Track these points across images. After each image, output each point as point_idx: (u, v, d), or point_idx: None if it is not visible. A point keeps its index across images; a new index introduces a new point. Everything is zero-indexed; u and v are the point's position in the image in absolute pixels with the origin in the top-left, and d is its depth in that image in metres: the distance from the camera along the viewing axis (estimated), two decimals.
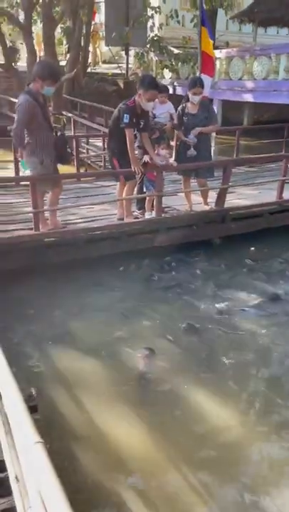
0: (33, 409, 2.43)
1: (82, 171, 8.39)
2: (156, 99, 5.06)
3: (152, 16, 12.76)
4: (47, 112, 4.35)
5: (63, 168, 5.28)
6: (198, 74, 8.08)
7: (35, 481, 1.30)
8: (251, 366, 3.59)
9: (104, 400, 3.22)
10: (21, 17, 14.28)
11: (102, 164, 8.46)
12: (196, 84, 5.19)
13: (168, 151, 5.24)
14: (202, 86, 5.27)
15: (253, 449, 2.86)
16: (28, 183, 4.50)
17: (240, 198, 6.35)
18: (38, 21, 14.85)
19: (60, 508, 1.15)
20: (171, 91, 14.27)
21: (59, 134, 4.54)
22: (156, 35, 13.10)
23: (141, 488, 2.56)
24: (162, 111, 5.31)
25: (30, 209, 4.58)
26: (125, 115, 4.56)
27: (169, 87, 14.85)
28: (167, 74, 15.05)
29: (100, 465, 2.71)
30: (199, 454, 2.81)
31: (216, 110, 14.28)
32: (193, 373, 3.52)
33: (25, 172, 4.70)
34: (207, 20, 7.66)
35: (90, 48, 18.48)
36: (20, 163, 4.84)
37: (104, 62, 20.40)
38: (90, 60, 18.32)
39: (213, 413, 3.13)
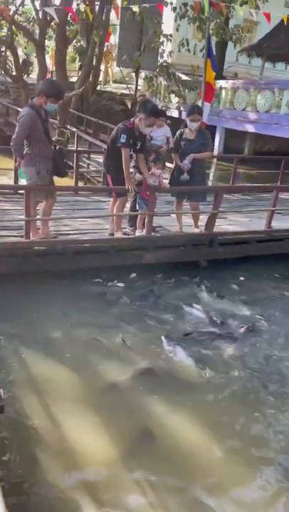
0: None
1: (81, 184, 8.58)
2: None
3: (163, 43, 13.18)
4: (47, 126, 4.53)
5: (61, 181, 5.44)
6: (199, 101, 8.36)
7: None
8: (222, 385, 3.66)
9: (74, 407, 3.28)
10: (37, 32, 14.70)
11: (101, 180, 8.62)
12: (194, 111, 5.39)
13: (162, 171, 5.40)
14: (200, 113, 5.48)
15: (213, 463, 2.93)
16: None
17: (230, 224, 6.50)
18: (54, 37, 15.28)
19: None
20: (177, 115, 14.82)
21: (58, 147, 4.71)
22: (165, 61, 13.51)
23: (98, 497, 2.60)
24: (159, 134, 5.49)
25: (22, 217, 4.71)
26: (122, 135, 4.75)
27: (175, 111, 15.35)
28: (174, 98, 15.47)
29: (59, 469, 2.76)
30: (160, 466, 2.85)
31: (218, 137, 14.74)
32: (166, 389, 3.57)
33: (22, 181, 4.86)
34: (212, 53, 7.95)
35: (102, 67, 18.96)
36: (18, 172, 5.00)
37: (114, 81, 20.90)
38: (100, 79, 18.77)
39: (180, 428, 3.20)
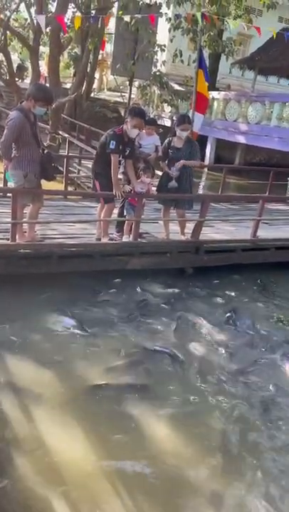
0: None
1: (71, 189, 8.62)
2: (144, 131, 5.32)
3: (157, 53, 13.33)
4: (36, 130, 4.56)
5: (50, 185, 5.46)
6: (190, 111, 8.46)
7: None
8: (206, 389, 3.69)
9: (54, 412, 3.27)
10: (32, 37, 14.79)
11: (91, 185, 8.66)
12: (184, 121, 5.47)
13: (151, 179, 5.46)
14: (190, 123, 5.57)
15: (194, 476, 2.90)
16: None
17: (217, 232, 6.56)
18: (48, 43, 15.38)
19: None
20: (169, 124, 14.95)
21: (46, 151, 4.74)
22: (158, 70, 13.64)
23: (75, 504, 2.59)
24: (148, 142, 5.55)
25: (9, 219, 4.72)
26: (112, 141, 4.81)
27: (168, 120, 15.47)
28: (167, 107, 15.63)
29: (35, 473, 2.75)
30: (139, 476, 2.84)
31: (209, 147, 14.89)
32: (148, 394, 3.59)
33: (10, 184, 4.87)
34: (205, 64, 8.08)
35: (97, 75, 19.10)
36: (6, 175, 5.01)
37: (109, 89, 21.07)
38: (95, 86, 18.91)
39: (161, 437, 3.18)
